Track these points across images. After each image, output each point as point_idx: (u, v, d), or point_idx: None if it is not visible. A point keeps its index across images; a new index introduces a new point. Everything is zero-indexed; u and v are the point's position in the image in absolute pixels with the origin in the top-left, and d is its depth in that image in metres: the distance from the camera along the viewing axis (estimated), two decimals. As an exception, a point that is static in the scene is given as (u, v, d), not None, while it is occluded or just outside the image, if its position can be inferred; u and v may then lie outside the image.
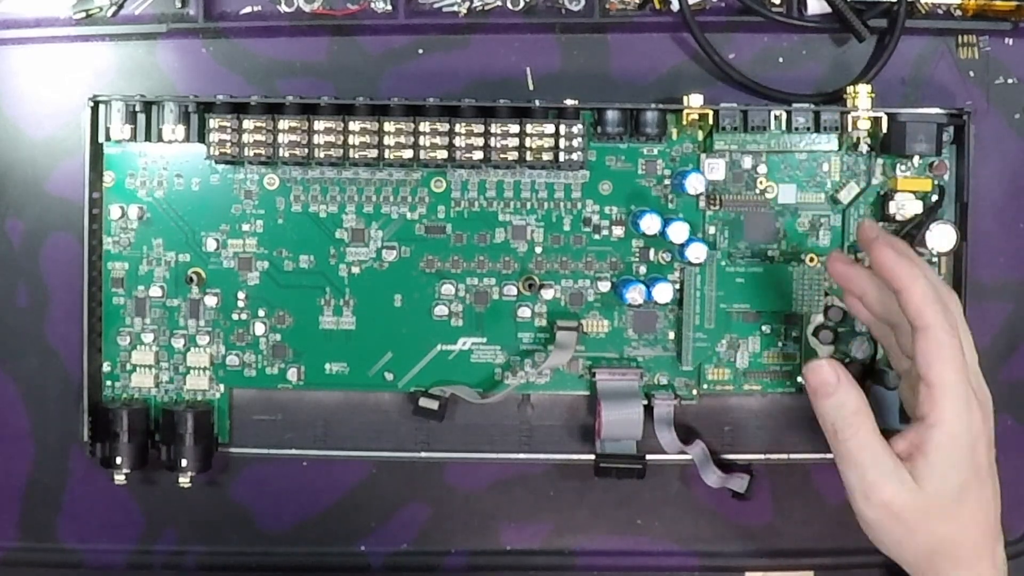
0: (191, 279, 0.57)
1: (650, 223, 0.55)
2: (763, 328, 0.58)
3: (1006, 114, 0.59)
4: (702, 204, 0.57)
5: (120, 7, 0.58)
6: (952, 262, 0.58)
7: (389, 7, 0.58)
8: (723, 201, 0.57)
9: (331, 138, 0.55)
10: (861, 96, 0.56)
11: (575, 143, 0.55)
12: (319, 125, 0.55)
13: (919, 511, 0.46)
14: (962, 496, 0.46)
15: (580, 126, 0.55)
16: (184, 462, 0.56)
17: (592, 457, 0.57)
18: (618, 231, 0.57)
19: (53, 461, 0.59)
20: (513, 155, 0.55)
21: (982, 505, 0.47)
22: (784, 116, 0.56)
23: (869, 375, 0.57)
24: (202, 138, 0.56)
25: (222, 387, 0.58)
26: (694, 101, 0.55)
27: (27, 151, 0.58)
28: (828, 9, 0.57)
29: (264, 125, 0.55)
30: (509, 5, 0.58)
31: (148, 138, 0.56)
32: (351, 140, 0.55)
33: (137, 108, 0.56)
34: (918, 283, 0.46)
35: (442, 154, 0.55)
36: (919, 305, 0.46)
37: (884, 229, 0.53)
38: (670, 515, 0.60)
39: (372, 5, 0.58)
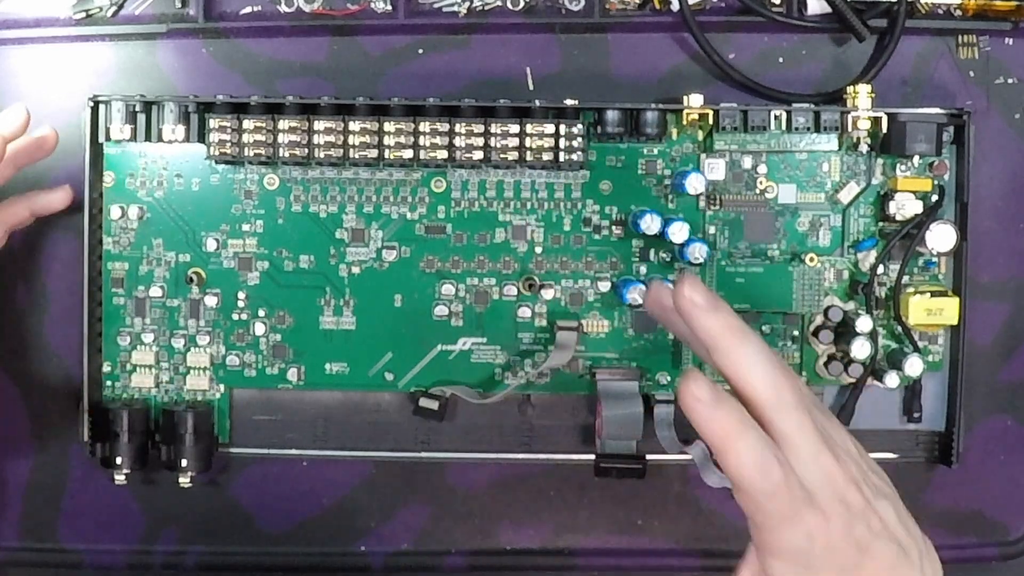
0: (191, 279, 0.57)
1: (650, 223, 0.55)
2: (763, 328, 0.57)
3: (1006, 114, 0.59)
4: (702, 204, 0.57)
5: (120, 7, 0.58)
6: (952, 262, 0.58)
7: (389, 7, 0.58)
8: (723, 201, 0.57)
9: (331, 138, 0.55)
10: (861, 96, 0.56)
11: (575, 143, 0.55)
12: (319, 125, 0.55)
13: None
14: None
15: (580, 126, 0.55)
16: (184, 462, 0.56)
17: (592, 457, 0.57)
18: (618, 231, 0.57)
19: (53, 461, 0.59)
20: (513, 155, 0.55)
21: None
22: (784, 116, 0.56)
23: (869, 375, 0.57)
24: (202, 138, 0.56)
25: (222, 387, 0.58)
26: (694, 101, 0.55)
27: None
28: (828, 9, 0.57)
29: (264, 125, 0.55)
30: (509, 5, 0.58)
31: (148, 138, 0.57)
32: (351, 140, 0.55)
33: (137, 108, 0.56)
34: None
35: (442, 154, 0.55)
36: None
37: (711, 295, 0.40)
38: (670, 515, 0.60)
39: (372, 5, 0.58)
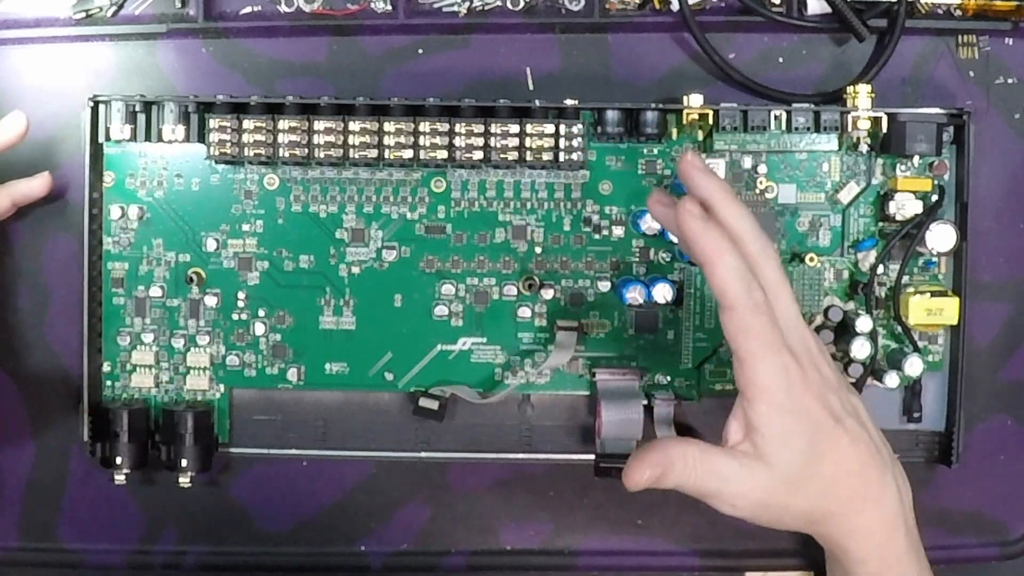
0: (191, 279, 0.57)
1: (650, 223, 0.56)
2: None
3: (1006, 114, 0.59)
4: (702, 204, 0.57)
5: (120, 7, 0.58)
6: (952, 262, 0.58)
7: (389, 7, 0.58)
8: (723, 201, 0.57)
9: (331, 138, 0.55)
10: (861, 96, 0.56)
11: (575, 143, 0.55)
12: (319, 125, 0.55)
13: (781, 487, 0.46)
14: (815, 454, 0.46)
15: (580, 126, 0.55)
16: (184, 462, 0.56)
17: (592, 457, 0.57)
18: (618, 231, 0.57)
19: (53, 461, 0.59)
20: (513, 155, 0.55)
21: (841, 454, 0.46)
22: (784, 116, 0.56)
23: (869, 375, 0.57)
24: (202, 138, 0.56)
25: (222, 387, 0.58)
26: (694, 101, 0.56)
27: (27, 151, 0.58)
28: (828, 9, 0.57)
29: (264, 125, 0.55)
30: (509, 5, 0.58)
31: (148, 138, 0.57)
32: (351, 140, 0.55)
33: (137, 108, 0.56)
34: (720, 263, 0.43)
35: (442, 154, 0.55)
36: (721, 286, 0.44)
37: (706, 170, 0.47)
38: (670, 515, 0.60)
39: (372, 5, 0.58)
